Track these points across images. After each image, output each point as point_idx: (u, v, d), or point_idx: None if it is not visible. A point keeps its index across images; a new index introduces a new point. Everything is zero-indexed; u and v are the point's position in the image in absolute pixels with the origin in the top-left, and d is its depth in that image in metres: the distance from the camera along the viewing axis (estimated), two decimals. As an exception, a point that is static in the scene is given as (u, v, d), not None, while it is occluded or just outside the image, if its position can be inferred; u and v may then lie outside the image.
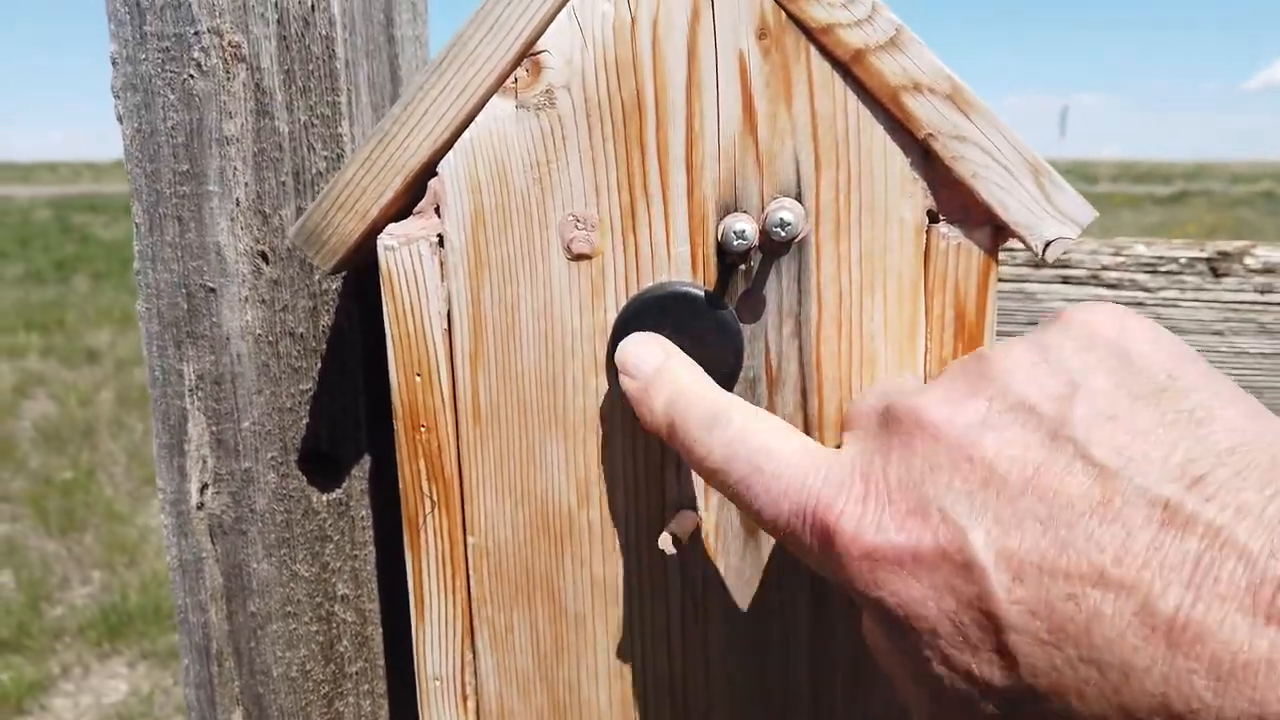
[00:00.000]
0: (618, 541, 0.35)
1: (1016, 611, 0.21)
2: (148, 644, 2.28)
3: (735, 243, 0.31)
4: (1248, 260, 0.46)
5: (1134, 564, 0.20)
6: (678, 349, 0.32)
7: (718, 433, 0.28)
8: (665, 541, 0.32)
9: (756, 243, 0.32)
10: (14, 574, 2.58)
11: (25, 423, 3.66)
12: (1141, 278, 0.46)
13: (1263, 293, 0.46)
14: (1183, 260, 0.46)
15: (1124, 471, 0.21)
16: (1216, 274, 0.46)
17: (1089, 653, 0.20)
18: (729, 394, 0.30)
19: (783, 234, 0.31)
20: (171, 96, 0.40)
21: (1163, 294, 0.46)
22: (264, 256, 0.41)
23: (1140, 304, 0.46)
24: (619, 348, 0.32)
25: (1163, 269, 0.46)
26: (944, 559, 0.23)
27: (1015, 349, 0.25)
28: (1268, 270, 0.46)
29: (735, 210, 0.32)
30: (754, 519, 0.28)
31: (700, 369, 0.31)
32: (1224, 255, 0.46)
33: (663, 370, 0.31)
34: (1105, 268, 0.46)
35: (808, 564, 0.27)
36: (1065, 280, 0.46)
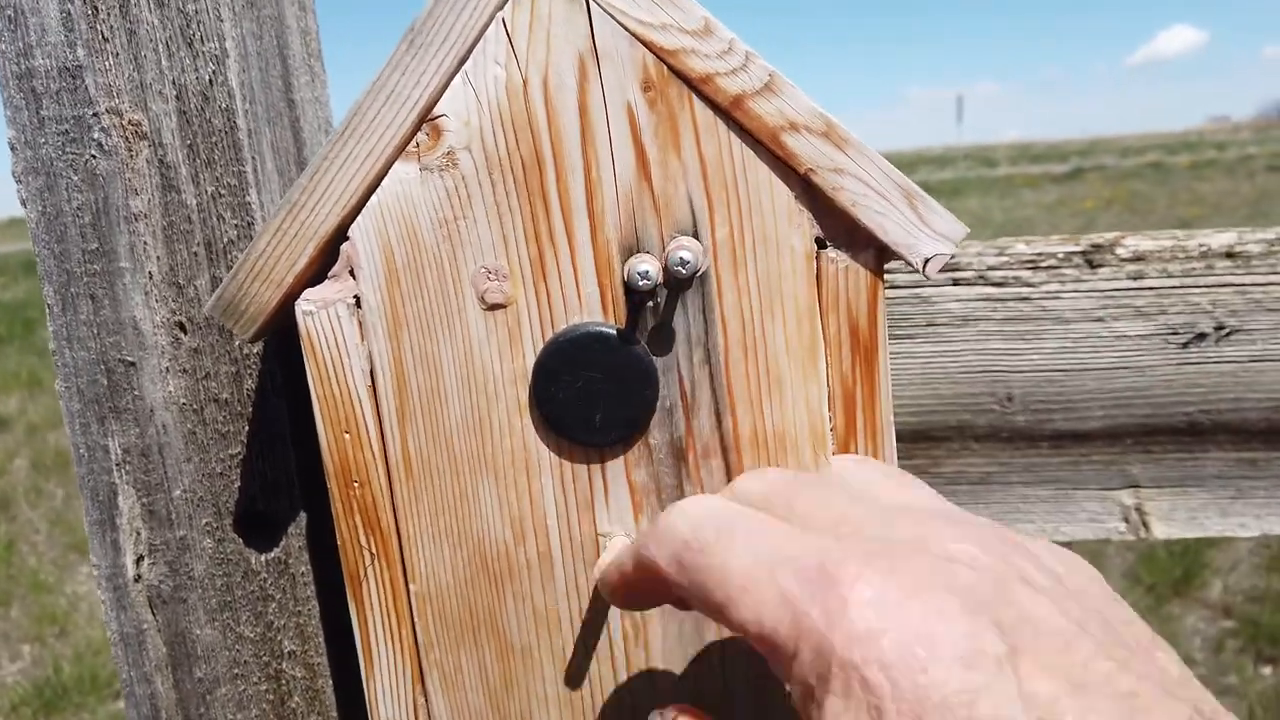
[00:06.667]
0: (555, 573, 0.37)
1: None
2: (87, 715, 2.21)
3: (640, 283, 0.33)
4: (1119, 250, 0.50)
5: None
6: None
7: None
8: (601, 569, 0.33)
9: (660, 280, 0.33)
10: (-63, 658, 2.47)
11: (-65, 499, 3.50)
12: (1025, 274, 0.49)
13: (1135, 279, 0.50)
14: (1060, 255, 0.49)
15: None
16: (1092, 265, 0.50)
17: None
18: None
19: (683, 271, 0.33)
20: (75, 178, 0.41)
21: (1045, 288, 0.49)
22: (182, 327, 0.42)
23: (1025, 299, 0.49)
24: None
25: (1044, 264, 0.49)
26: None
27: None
28: (1137, 259, 0.50)
29: (638, 251, 0.34)
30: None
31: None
32: (1097, 248, 0.50)
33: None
34: (991, 268, 0.49)
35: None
36: (955, 282, 0.49)
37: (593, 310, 0.35)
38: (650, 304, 0.34)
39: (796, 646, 0.23)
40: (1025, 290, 0.49)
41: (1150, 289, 0.50)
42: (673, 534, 0.27)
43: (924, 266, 0.33)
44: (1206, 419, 0.49)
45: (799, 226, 0.34)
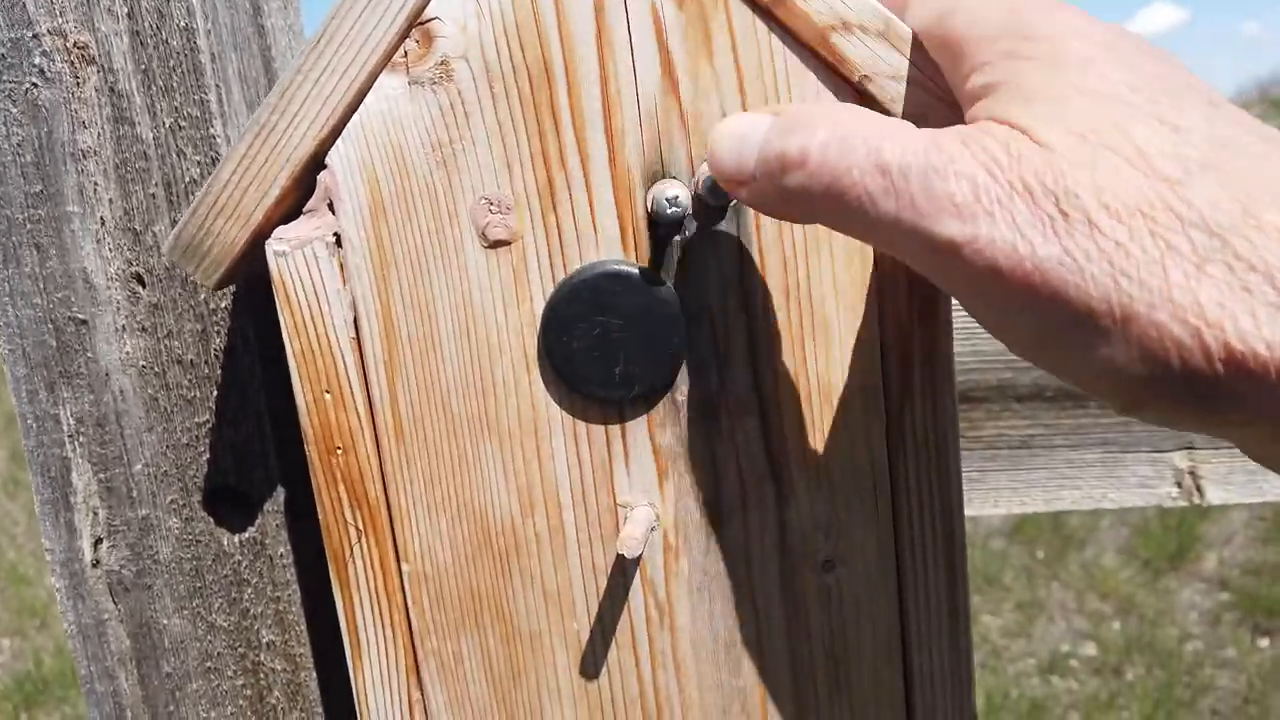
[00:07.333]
0: (568, 549, 0.32)
1: None
2: (69, 709, 2.16)
3: (668, 210, 0.28)
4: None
5: None
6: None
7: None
8: (625, 544, 0.29)
9: (690, 210, 0.29)
10: (-87, 652, 2.41)
11: (-91, 490, 3.42)
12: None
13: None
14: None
15: None
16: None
17: None
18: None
19: (716, 199, 0.28)
20: (14, 109, 0.36)
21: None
22: (139, 279, 0.37)
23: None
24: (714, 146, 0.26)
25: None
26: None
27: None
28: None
29: (664, 177, 0.29)
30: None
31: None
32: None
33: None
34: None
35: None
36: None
37: (611, 246, 0.30)
38: (678, 238, 0.30)
39: None
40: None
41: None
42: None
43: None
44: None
45: (849, 145, 0.29)
